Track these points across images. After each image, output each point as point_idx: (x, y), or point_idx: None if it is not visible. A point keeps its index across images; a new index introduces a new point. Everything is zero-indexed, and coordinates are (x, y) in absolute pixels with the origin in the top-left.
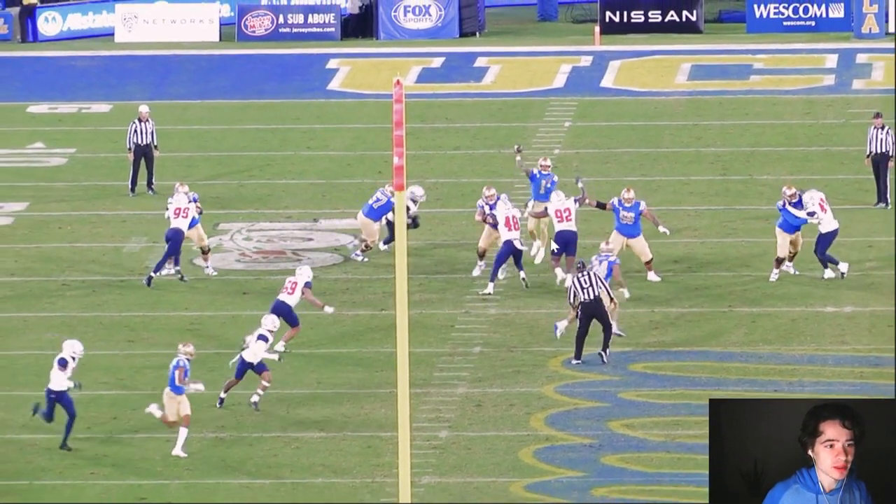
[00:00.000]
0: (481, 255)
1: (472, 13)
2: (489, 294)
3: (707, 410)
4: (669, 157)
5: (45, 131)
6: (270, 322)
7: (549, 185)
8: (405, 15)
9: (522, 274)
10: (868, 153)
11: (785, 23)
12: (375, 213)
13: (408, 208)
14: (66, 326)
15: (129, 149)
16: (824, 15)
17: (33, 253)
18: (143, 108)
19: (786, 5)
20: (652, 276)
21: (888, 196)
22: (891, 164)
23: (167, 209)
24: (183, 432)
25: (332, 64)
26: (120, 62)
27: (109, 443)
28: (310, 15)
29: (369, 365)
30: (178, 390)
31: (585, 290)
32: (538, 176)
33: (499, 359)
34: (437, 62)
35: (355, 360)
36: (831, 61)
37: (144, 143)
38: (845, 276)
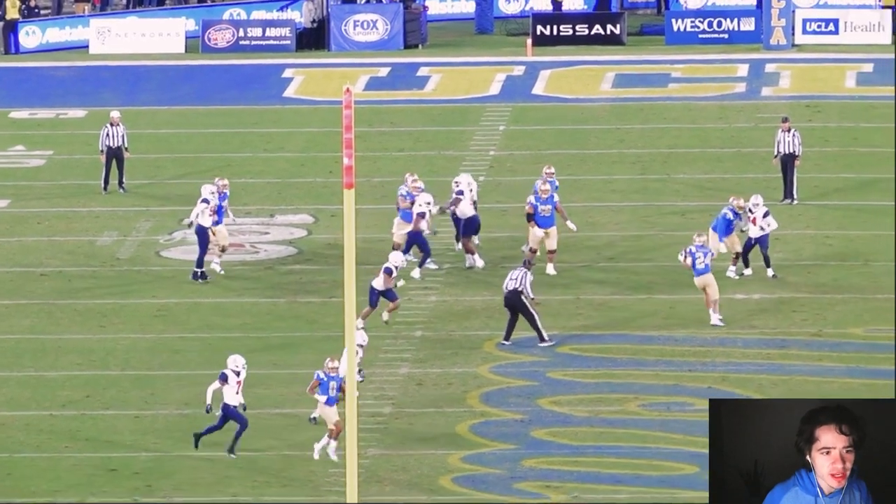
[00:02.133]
0: (396, 249)
1: (415, 27)
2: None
3: (623, 388)
4: (594, 158)
5: (25, 135)
6: (360, 337)
7: (552, 190)
8: (354, 28)
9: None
10: (776, 154)
11: (700, 35)
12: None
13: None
14: (43, 313)
15: (102, 151)
16: (736, 28)
17: (14, 246)
18: (115, 114)
19: (701, 19)
20: (550, 268)
21: (794, 192)
22: (797, 163)
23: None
24: (328, 440)
25: (287, 73)
26: (94, 72)
27: (82, 419)
28: (267, 29)
29: (320, 347)
30: (329, 401)
31: (510, 282)
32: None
33: (438, 342)
34: (383, 71)
35: (308, 343)
36: (743, 70)
37: (116, 145)
38: (745, 275)
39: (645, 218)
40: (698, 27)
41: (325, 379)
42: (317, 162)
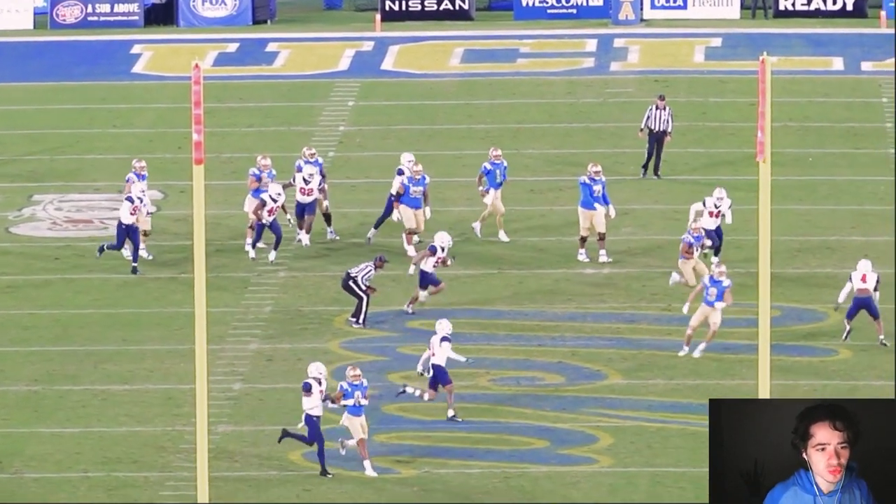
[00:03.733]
0: (252, 228)
1: (263, 2)
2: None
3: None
4: (443, 134)
5: None
6: (447, 326)
7: (502, 173)
8: (203, 4)
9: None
10: (644, 127)
11: (549, 10)
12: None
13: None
14: None
15: None
16: (585, 3)
17: None
18: None
19: None
20: (410, 249)
21: (659, 169)
22: (668, 139)
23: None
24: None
25: (136, 49)
26: None
27: None
28: (115, 4)
29: (170, 323)
30: (354, 410)
31: (353, 268)
32: (491, 167)
33: (288, 317)
34: (232, 47)
35: (157, 319)
36: (591, 45)
37: None
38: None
39: None
40: (546, 2)
41: (350, 389)
42: (166, 138)
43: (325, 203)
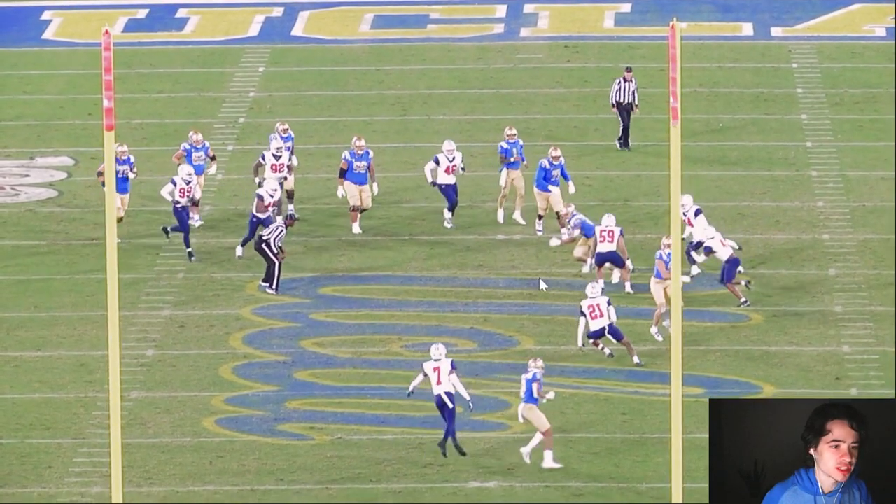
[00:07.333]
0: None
1: None
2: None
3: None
4: (354, 100)
5: None
6: (594, 289)
7: (519, 152)
8: None
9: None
10: (613, 101)
11: None
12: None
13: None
14: None
15: None
16: None
17: None
18: None
19: None
20: (356, 227)
21: (629, 139)
22: (636, 111)
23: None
24: (537, 439)
25: (46, 15)
26: None
27: None
28: None
29: (82, 290)
30: (531, 401)
31: (265, 230)
32: (507, 146)
33: (200, 283)
34: (141, 13)
35: (69, 286)
36: (501, 11)
37: None
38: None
39: (405, 160)
40: None
41: (530, 378)
42: (76, 104)
43: (291, 179)
